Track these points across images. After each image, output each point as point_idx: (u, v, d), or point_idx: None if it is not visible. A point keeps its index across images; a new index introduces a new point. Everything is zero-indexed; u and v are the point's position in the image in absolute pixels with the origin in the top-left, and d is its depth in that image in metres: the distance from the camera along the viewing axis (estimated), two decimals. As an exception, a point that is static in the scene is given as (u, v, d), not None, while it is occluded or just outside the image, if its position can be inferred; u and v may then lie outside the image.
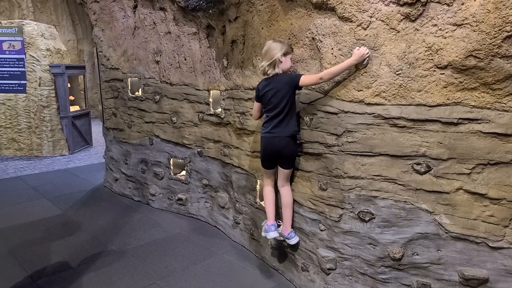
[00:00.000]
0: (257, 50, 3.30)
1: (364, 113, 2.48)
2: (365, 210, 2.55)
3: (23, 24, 7.68)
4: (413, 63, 2.31)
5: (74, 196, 5.41)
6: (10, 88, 7.79)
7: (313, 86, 2.78)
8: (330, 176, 2.70)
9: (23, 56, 7.69)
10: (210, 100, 4.16)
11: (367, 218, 2.55)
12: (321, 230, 2.82)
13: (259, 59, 3.30)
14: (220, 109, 4.03)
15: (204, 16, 3.83)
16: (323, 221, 2.81)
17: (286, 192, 3.06)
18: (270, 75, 2.90)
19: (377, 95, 2.43)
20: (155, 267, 3.41)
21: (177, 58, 4.37)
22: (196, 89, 4.28)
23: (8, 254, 3.62)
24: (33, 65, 7.71)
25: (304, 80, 2.73)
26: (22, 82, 7.76)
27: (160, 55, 4.52)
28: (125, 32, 4.81)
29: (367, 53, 2.41)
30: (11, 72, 7.76)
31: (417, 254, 2.46)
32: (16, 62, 7.73)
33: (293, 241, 2.98)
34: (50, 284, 3.13)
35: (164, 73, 4.54)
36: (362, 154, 2.53)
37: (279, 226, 3.11)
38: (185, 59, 4.29)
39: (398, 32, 2.33)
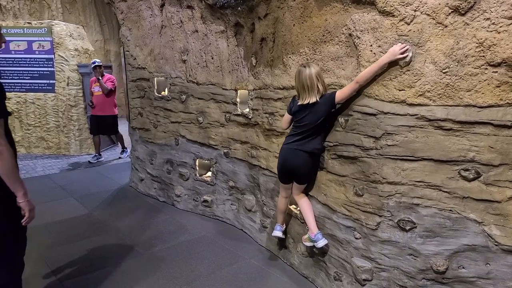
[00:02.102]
0: (288, 48, 3.17)
1: (406, 114, 2.31)
2: (406, 219, 2.37)
3: (53, 25, 7.81)
4: (462, 61, 2.13)
5: (101, 195, 5.42)
6: (40, 87, 7.95)
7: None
8: (367, 181, 2.54)
9: (52, 56, 7.82)
10: (238, 100, 4.05)
11: (407, 227, 2.37)
12: (356, 238, 2.66)
13: (289, 57, 3.16)
14: (247, 109, 3.92)
15: (233, 14, 3.72)
16: (358, 229, 2.64)
17: (302, 202, 3.08)
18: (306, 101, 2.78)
19: (420, 95, 2.26)
20: (181, 271, 3.33)
21: (204, 57, 4.28)
22: (223, 89, 4.17)
23: (36, 254, 3.62)
24: (61, 65, 7.82)
25: (339, 95, 2.63)
26: (51, 81, 7.90)
27: (187, 54, 4.44)
28: (152, 31, 4.76)
29: (401, 50, 2.23)
30: (40, 72, 7.91)
31: (463, 268, 2.27)
32: (45, 62, 7.87)
33: (321, 243, 2.84)
34: (76, 286, 3.10)
35: (190, 73, 4.46)
36: (403, 159, 2.36)
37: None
38: (212, 58, 4.20)
39: (446, 26, 2.15)
